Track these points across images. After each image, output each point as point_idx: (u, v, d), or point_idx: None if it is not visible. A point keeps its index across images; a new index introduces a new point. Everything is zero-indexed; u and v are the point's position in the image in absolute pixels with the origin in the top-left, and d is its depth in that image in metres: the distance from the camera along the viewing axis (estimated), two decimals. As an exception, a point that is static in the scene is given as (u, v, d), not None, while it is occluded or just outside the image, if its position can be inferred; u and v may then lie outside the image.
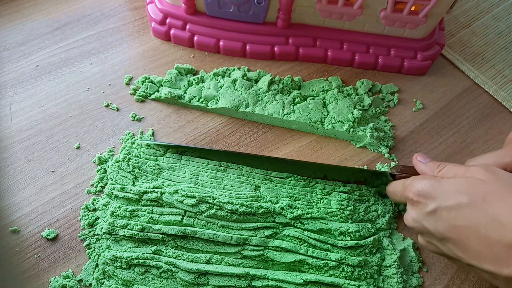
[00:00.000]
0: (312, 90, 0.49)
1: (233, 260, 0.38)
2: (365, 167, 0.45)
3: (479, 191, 0.30)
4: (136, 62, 0.51)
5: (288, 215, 0.40)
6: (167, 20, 0.52)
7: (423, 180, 0.34)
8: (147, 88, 0.48)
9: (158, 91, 0.48)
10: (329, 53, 0.52)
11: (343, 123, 0.46)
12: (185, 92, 0.48)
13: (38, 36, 0.52)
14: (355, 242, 0.39)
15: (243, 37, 0.51)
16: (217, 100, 0.47)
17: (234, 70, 0.50)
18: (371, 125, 0.46)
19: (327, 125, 0.46)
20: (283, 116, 0.46)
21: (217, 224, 0.39)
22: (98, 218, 0.39)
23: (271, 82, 0.49)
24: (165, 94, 0.47)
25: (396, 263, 0.39)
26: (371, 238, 0.39)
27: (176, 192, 0.40)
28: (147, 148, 0.43)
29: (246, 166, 0.43)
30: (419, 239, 0.37)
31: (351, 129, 0.45)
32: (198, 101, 0.47)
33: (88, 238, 0.39)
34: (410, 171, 0.40)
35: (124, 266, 0.37)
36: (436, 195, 0.32)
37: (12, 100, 0.46)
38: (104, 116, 0.46)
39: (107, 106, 0.47)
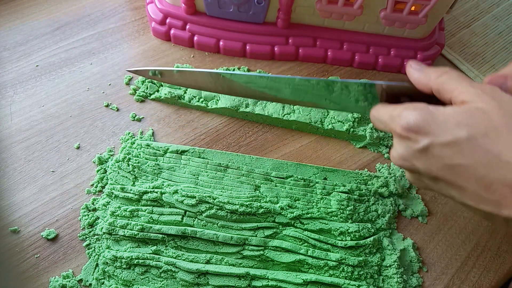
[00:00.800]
0: (312, 90, 0.49)
1: (233, 260, 0.38)
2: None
3: (481, 124, 0.26)
4: (136, 62, 0.51)
5: (288, 215, 0.40)
6: (167, 20, 0.52)
7: (414, 111, 0.29)
8: (147, 88, 0.48)
9: (158, 91, 0.48)
10: (329, 53, 0.52)
11: (343, 123, 0.46)
12: (185, 92, 0.48)
13: (38, 36, 0.52)
14: (355, 242, 0.39)
15: (243, 37, 0.51)
16: (217, 100, 0.47)
17: (234, 70, 0.50)
18: (371, 125, 0.46)
19: (327, 125, 0.46)
20: (283, 116, 0.46)
21: (217, 224, 0.39)
22: (98, 218, 0.39)
23: (271, 82, 0.49)
24: (165, 94, 0.47)
25: (396, 263, 0.39)
26: (371, 238, 0.39)
27: (176, 192, 0.40)
28: (147, 148, 0.43)
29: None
30: (407, 175, 0.33)
31: (351, 129, 0.45)
32: (198, 101, 0.47)
33: (88, 238, 0.39)
34: (399, 88, 0.33)
35: (124, 266, 0.37)
36: (429, 129, 0.28)
37: (12, 100, 0.46)
38: (104, 116, 0.46)
39: (107, 106, 0.47)
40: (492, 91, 0.28)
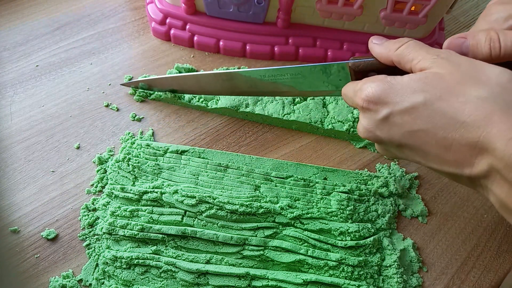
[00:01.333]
0: (312, 90, 0.49)
1: (233, 260, 0.38)
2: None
3: (435, 88, 0.27)
4: (136, 62, 0.51)
5: (288, 215, 0.40)
6: (167, 20, 0.52)
7: (372, 83, 0.30)
8: (145, 89, 0.48)
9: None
10: (329, 53, 0.52)
11: (343, 123, 0.46)
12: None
13: (38, 36, 0.52)
14: (355, 242, 0.39)
15: (243, 37, 0.51)
16: (217, 100, 0.47)
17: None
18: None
19: (327, 125, 0.46)
20: (283, 116, 0.46)
21: (217, 224, 0.39)
22: (98, 218, 0.39)
23: (271, 82, 0.49)
24: (165, 93, 0.47)
25: (396, 263, 0.39)
26: (371, 238, 0.39)
27: (176, 192, 0.40)
28: (147, 148, 0.43)
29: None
30: (376, 146, 0.34)
31: (351, 129, 0.46)
32: (198, 101, 0.47)
33: (88, 238, 0.38)
34: (366, 62, 0.34)
35: (124, 266, 0.37)
36: (387, 99, 0.28)
37: (12, 100, 0.46)
38: (104, 116, 0.46)
39: (107, 106, 0.47)
40: (448, 55, 0.28)
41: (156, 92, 0.48)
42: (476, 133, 0.25)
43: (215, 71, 0.44)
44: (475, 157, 0.26)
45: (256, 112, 0.46)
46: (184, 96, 0.47)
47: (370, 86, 0.30)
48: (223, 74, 0.40)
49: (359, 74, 0.34)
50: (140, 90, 0.47)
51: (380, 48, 0.32)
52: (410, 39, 0.31)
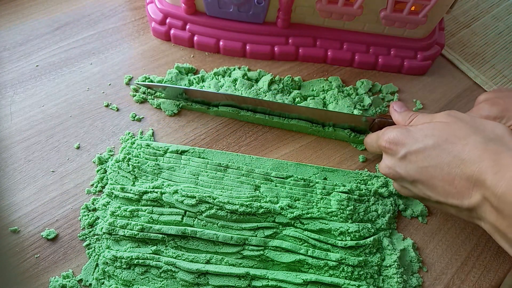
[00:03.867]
0: (312, 90, 0.49)
1: (233, 260, 0.38)
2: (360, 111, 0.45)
3: (442, 133, 0.34)
4: (136, 62, 0.51)
5: (288, 215, 0.40)
6: (167, 20, 0.52)
7: (394, 129, 0.37)
8: (147, 88, 0.48)
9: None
10: (329, 53, 0.52)
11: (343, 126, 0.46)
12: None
13: (38, 36, 0.52)
14: (355, 242, 0.39)
15: (243, 37, 0.51)
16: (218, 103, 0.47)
17: (234, 69, 0.50)
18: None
19: (328, 128, 0.46)
20: (284, 120, 0.46)
21: (217, 224, 0.39)
22: (98, 218, 0.39)
23: (271, 82, 0.49)
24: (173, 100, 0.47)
25: (396, 263, 0.39)
26: (371, 238, 0.39)
27: (176, 192, 0.40)
28: (147, 148, 0.43)
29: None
30: (394, 184, 0.40)
31: (352, 134, 0.46)
32: (199, 104, 0.47)
33: (88, 238, 0.38)
34: (386, 122, 0.43)
35: (124, 266, 0.37)
36: (405, 141, 0.35)
37: (12, 100, 0.46)
38: (104, 116, 0.46)
39: (107, 106, 0.47)
40: (452, 111, 0.35)
41: (156, 92, 0.48)
42: (472, 168, 0.31)
43: (246, 95, 0.47)
44: (472, 189, 0.31)
45: (256, 116, 0.46)
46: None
47: (392, 131, 0.37)
48: (258, 101, 0.45)
49: (379, 128, 0.43)
50: (141, 92, 0.47)
51: (398, 116, 0.40)
52: (419, 113, 0.39)
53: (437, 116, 0.36)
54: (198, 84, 0.48)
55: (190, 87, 0.47)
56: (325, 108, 0.47)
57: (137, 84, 0.47)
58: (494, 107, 0.38)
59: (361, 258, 0.38)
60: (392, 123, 0.41)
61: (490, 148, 0.31)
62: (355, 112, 0.47)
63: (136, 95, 0.47)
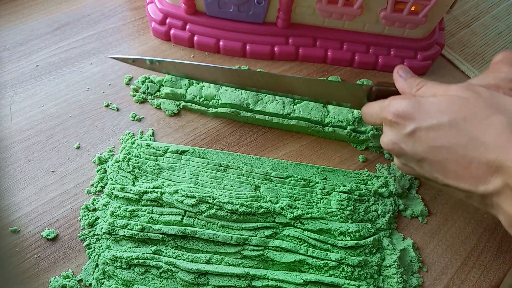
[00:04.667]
0: (312, 90, 0.49)
1: (233, 260, 0.38)
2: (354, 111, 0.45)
3: (461, 110, 0.30)
4: (136, 62, 0.51)
5: (288, 215, 0.40)
6: (167, 20, 0.52)
7: (402, 101, 0.32)
8: (147, 88, 0.48)
9: (159, 91, 0.48)
10: (329, 53, 0.52)
11: (343, 123, 0.46)
12: (186, 92, 0.48)
13: (38, 36, 0.52)
14: (355, 242, 0.39)
15: (243, 37, 0.51)
16: (218, 99, 0.47)
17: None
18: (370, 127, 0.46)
19: (328, 128, 0.46)
20: (284, 120, 0.46)
21: (217, 224, 0.39)
22: (98, 218, 0.39)
23: (271, 82, 0.49)
24: (167, 92, 0.47)
25: (396, 263, 0.39)
26: (371, 238, 0.39)
27: (176, 192, 0.40)
28: (147, 148, 0.43)
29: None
30: (395, 161, 0.36)
31: (352, 134, 0.46)
32: (199, 100, 0.47)
33: (88, 238, 0.38)
34: (386, 90, 0.38)
35: (124, 266, 0.37)
36: (415, 115, 0.31)
37: (12, 100, 0.46)
38: (104, 116, 0.46)
39: (107, 106, 0.47)
40: (470, 85, 0.31)
41: (157, 92, 0.47)
42: (494, 153, 0.28)
43: (233, 67, 0.43)
44: (491, 175, 0.28)
45: (256, 117, 0.46)
46: (185, 97, 0.47)
47: (399, 102, 0.32)
48: (243, 71, 0.41)
49: (377, 98, 0.37)
50: (141, 92, 0.47)
51: (404, 83, 0.35)
52: (428, 81, 0.34)
53: (453, 88, 0.31)
54: (198, 84, 0.48)
55: (157, 59, 0.42)
56: (324, 106, 0.47)
57: (111, 57, 0.43)
58: None
59: (361, 258, 0.38)
60: (393, 92, 0.36)
61: None
62: (355, 112, 0.47)
63: (136, 95, 0.47)
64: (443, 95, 0.31)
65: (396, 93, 0.36)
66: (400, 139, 0.32)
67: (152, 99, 0.47)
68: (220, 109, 0.46)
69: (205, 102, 0.47)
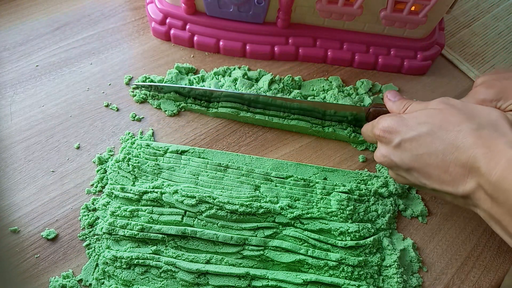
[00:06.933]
0: (313, 90, 0.49)
1: (233, 260, 0.38)
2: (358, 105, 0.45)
3: (436, 120, 0.33)
4: (136, 62, 0.51)
5: (288, 215, 0.40)
6: (167, 20, 0.52)
7: (388, 118, 0.36)
8: (149, 87, 0.48)
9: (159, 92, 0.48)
10: (329, 53, 0.52)
11: (343, 123, 0.46)
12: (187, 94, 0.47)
13: (38, 36, 0.52)
14: (355, 242, 0.39)
15: (243, 37, 0.51)
16: (217, 104, 0.47)
17: (234, 69, 0.50)
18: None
19: (328, 128, 0.46)
20: (284, 121, 0.46)
21: (217, 224, 0.39)
22: (98, 218, 0.39)
23: (271, 82, 0.49)
24: (169, 95, 0.47)
25: (396, 263, 0.39)
26: (371, 238, 0.39)
27: (176, 192, 0.40)
28: (147, 148, 0.43)
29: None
30: (390, 172, 0.39)
31: (352, 134, 0.46)
32: (198, 105, 0.47)
33: (88, 238, 0.38)
34: (382, 111, 0.42)
35: (124, 266, 0.37)
36: (400, 129, 0.35)
37: (12, 100, 0.46)
38: (104, 116, 0.46)
39: (107, 106, 0.47)
40: (445, 99, 0.35)
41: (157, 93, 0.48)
42: (466, 155, 0.31)
43: (240, 91, 0.46)
44: (467, 176, 0.31)
45: (256, 117, 0.46)
46: (186, 99, 0.47)
47: (386, 119, 0.37)
48: (250, 95, 0.45)
49: (374, 117, 0.42)
50: (141, 93, 0.47)
51: (393, 105, 0.39)
52: (414, 101, 0.38)
53: (431, 103, 0.35)
54: (199, 83, 0.48)
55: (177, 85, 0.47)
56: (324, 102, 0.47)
57: (136, 84, 0.47)
58: (491, 90, 0.37)
59: (361, 258, 0.38)
60: (387, 112, 0.40)
61: (484, 134, 0.31)
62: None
63: (136, 95, 0.47)
64: (423, 109, 0.35)
65: (389, 112, 0.40)
66: (389, 151, 0.36)
67: (152, 99, 0.47)
68: (220, 109, 0.46)
69: (204, 105, 0.47)
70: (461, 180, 0.32)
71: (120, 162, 0.42)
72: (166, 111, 0.47)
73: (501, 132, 0.30)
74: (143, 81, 0.48)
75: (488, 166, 0.29)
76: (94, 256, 0.38)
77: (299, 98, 0.48)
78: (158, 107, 0.47)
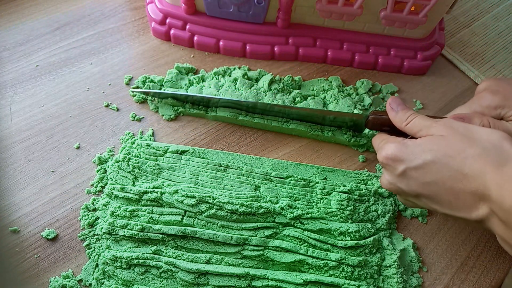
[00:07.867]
0: (313, 90, 0.49)
1: (233, 260, 0.38)
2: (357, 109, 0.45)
3: (441, 147, 0.33)
4: (136, 62, 0.51)
5: (288, 215, 0.40)
6: (167, 20, 0.52)
7: (391, 145, 0.36)
8: (149, 88, 0.48)
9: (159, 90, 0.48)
10: (329, 53, 0.52)
11: (343, 125, 0.46)
12: (186, 91, 0.47)
13: (38, 36, 0.52)
14: (355, 242, 0.39)
15: (243, 37, 0.51)
16: (217, 107, 0.47)
17: (234, 69, 0.50)
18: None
19: (327, 133, 0.46)
20: (283, 124, 0.46)
21: (217, 224, 0.39)
22: (98, 218, 0.39)
23: (271, 82, 0.49)
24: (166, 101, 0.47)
25: (396, 263, 0.39)
26: (371, 238, 0.39)
27: (176, 192, 0.40)
28: (147, 148, 0.43)
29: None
30: (398, 198, 0.39)
31: (352, 139, 0.45)
32: (197, 109, 0.46)
33: (88, 238, 0.38)
34: (381, 119, 0.41)
35: (124, 266, 0.37)
36: (404, 157, 0.34)
37: (12, 100, 0.46)
38: (104, 116, 0.46)
39: (107, 106, 0.47)
40: (447, 122, 0.34)
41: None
42: (475, 183, 0.30)
43: (239, 99, 0.46)
44: (478, 202, 0.31)
45: (255, 121, 0.46)
46: (184, 104, 0.47)
47: (389, 147, 0.35)
48: (250, 103, 0.45)
49: (376, 126, 0.42)
50: (144, 88, 0.47)
51: (395, 117, 0.38)
52: (417, 114, 0.37)
53: (434, 128, 0.34)
54: (199, 83, 0.48)
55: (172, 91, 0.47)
56: (324, 108, 0.47)
57: (133, 90, 0.47)
58: (496, 96, 0.37)
59: (361, 258, 0.38)
60: (387, 120, 0.40)
61: (490, 159, 0.30)
62: (355, 112, 0.47)
63: (136, 95, 0.47)
64: (425, 135, 0.35)
65: (389, 121, 0.39)
66: (395, 179, 0.36)
67: (151, 102, 0.47)
68: (219, 113, 0.46)
69: (203, 109, 0.46)
70: (473, 206, 0.31)
71: (120, 162, 0.42)
72: (163, 115, 0.46)
73: (507, 156, 0.30)
74: (143, 81, 0.48)
75: (499, 193, 0.29)
76: (94, 256, 0.38)
77: (299, 98, 0.47)
78: (156, 110, 0.47)
